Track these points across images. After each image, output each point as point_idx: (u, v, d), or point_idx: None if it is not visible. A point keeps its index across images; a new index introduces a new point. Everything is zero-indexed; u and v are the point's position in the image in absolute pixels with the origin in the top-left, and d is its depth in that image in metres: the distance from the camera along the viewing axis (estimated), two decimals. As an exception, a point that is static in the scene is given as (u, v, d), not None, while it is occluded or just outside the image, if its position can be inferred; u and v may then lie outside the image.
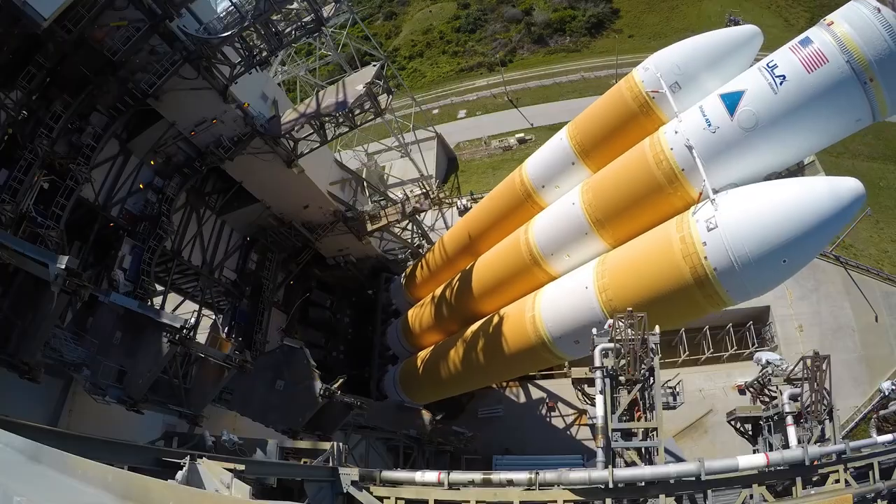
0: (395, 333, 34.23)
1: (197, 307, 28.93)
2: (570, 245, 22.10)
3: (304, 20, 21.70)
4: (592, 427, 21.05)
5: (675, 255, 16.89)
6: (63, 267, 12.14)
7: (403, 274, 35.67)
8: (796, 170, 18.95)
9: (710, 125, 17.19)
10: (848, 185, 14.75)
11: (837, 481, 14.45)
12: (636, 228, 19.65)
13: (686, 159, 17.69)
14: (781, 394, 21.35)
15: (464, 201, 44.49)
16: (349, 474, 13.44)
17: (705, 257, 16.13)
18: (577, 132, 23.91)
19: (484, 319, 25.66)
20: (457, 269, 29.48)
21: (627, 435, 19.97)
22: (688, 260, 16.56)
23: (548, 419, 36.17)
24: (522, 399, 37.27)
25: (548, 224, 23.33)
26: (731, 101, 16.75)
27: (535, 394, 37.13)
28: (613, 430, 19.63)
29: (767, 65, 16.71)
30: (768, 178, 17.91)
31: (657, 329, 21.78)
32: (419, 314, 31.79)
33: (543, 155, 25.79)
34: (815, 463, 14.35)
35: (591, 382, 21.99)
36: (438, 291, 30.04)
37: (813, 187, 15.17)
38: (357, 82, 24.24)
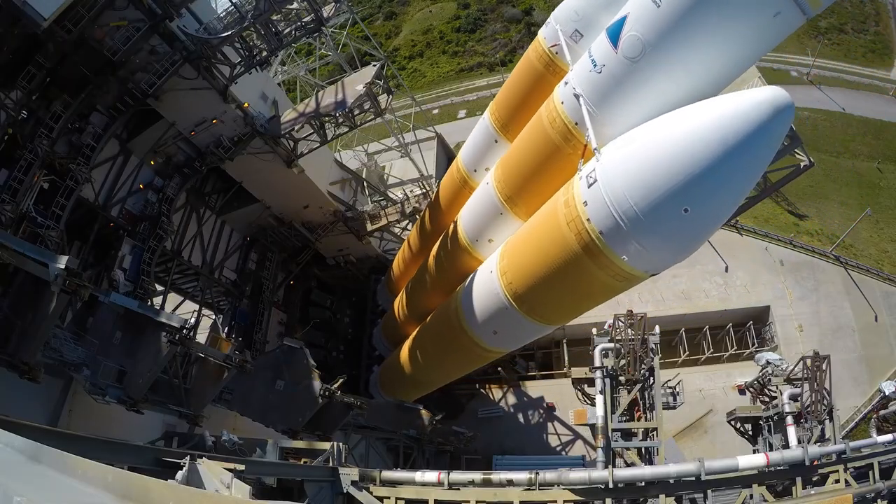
0: (378, 333, 34.19)
1: (197, 307, 28.94)
2: (490, 228, 20.59)
3: (304, 20, 21.72)
4: (592, 427, 20.88)
5: (560, 223, 14.19)
6: (63, 267, 12.13)
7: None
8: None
9: (595, 66, 14.39)
10: (758, 99, 10.88)
11: (837, 481, 14.45)
12: (545, 201, 16.74)
13: (577, 111, 15.04)
14: (781, 394, 21.37)
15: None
16: (349, 474, 13.43)
17: (588, 219, 13.25)
18: (496, 108, 22.60)
19: (430, 315, 25.06)
20: (418, 265, 28.78)
21: (627, 435, 20.05)
22: (572, 226, 13.75)
23: (548, 419, 36.17)
24: (522, 399, 37.26)
25: (470, 208, 22.24)
26: (615, 32, 13.68)
27: (535, 394, 37.13)
28: (613, 430, 19.71)
29: None
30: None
31: (657, 329, 21.91)
32: (390, 314, 31.51)
33: (472, 137, 24.68)
34: (815, 463, 14.35)
35: (591, 382, 22.02)
36: (404, 290, 29.80)
37: (711, 109, 11.53)
38: (357, 82, 24.24)
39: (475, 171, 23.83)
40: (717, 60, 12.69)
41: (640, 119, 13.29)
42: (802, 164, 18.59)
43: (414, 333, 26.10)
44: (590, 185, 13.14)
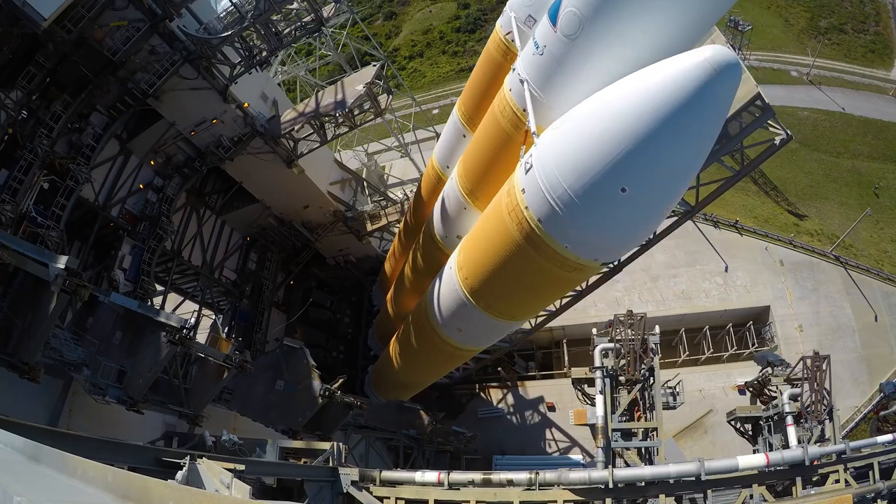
0: (372, 333, 34.19)
1: (197, 307, 28.93)
2: (457, 223, 20.14)
3: (304, 20, 21.73)
4: (592, 427, 20.88)
5: (503, 213, 13.62)
6: (63, 267, 12.14)
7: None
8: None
9: (538, 48, 13.76)
10: (694, 60, 9.54)
11: (837, 481, 14.45)
12: (503, 193, 16.50)
13: (524, 98, 14.45)
14: (781, 394, 21.36)
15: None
16: (349, 474, 13.44)
17: (526, 207, 12.62)
18: (462, 102, 22.17)
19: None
20: (402, 263, 28.52)
21: (627, 435, 20.05)
22: (513, 215, 13.16)
23: (547, 419, 36.17)
24: (522, 399, 37.27)
25: (439, 205, 21.90)
26: (554, 10, 13.00)
27: (535, 394, 37.14)
28: (613, 430, 19.72)
29: None
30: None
31: (657, 329, 21.91)
32: (381, 313, 31.44)
33: (444, 133, 24.28)
34: (815, 463, 14.35)
35: (591, 382, 22.03)
36: (391, 289, 29.72)
37: (643, 78, 10.32)
38: (357, 82, 24.24)
39: (447, 167, 23.52)
40: (659, 30, 11.56)
41: (583, 98, 12.16)
42: (779, 139, 16.45)
43: (396, 333, 26.02)
44: (527, 172, 12.41)
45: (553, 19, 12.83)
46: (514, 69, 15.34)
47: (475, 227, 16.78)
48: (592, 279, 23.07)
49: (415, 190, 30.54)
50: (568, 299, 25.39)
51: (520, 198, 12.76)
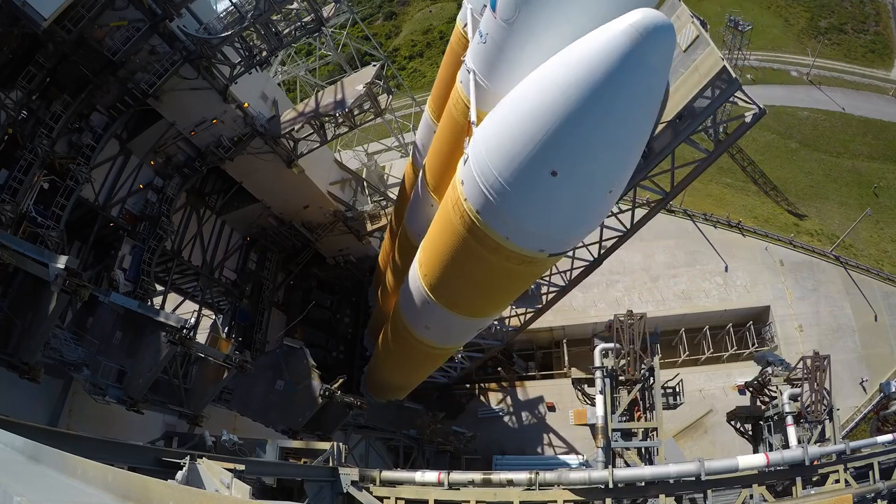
0: (367, 334, 34.20)
1: (197, 307, 28.93)
2: (426, 221, 19.57)
3: (304, 20, 21.73)
4: (592, 427, 20.89)
5: (448, 207, 13.27)
6: (63, 267, 12.14)
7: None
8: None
9: (482, 37, 13.43)
10: (618, 28, 8.62)
11: (837, 481, 14.45)
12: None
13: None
14: (781, 394, 21.37)
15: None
16: (349, 474, 13.43)
17: (465, 199, 12.22)
18: (431, 99, 22.09)
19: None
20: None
21: (627, 435, 20.06)
22: (456, 208, 12.75)
23: (547, 419, 36.17)
24: (522, 399, 37.28)
25: (411, 203, 21.74)
26: None
27: (535, 394, 37.14)
28: (613, 430, 19.72)
29: None
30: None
31: (657, 329, 21.92)
32: (373, 315, 31.46)
33: (418, 132, 24.34)
34: (815, 463, 14.35)
35: (591, 382, 22.04)
36: (379, 290, 29.73)
37: (569, 51, 9.44)
38: (357, 82, 24.24)
39: (423, 164, 23.31)
40: (597, 2, 10.83)
41: None
42: (751, 114, 14.96)
43: (381, 334, 25.94)
44: (465, 163, 11.96)
45: (493, 6, 12.47)
46: (463, 60, 15.06)
47: (432, 223, 16.44)
48: (575, 273, 22.84)
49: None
50: (553, 295, 25.24)
51: (460, 190, 12.35)
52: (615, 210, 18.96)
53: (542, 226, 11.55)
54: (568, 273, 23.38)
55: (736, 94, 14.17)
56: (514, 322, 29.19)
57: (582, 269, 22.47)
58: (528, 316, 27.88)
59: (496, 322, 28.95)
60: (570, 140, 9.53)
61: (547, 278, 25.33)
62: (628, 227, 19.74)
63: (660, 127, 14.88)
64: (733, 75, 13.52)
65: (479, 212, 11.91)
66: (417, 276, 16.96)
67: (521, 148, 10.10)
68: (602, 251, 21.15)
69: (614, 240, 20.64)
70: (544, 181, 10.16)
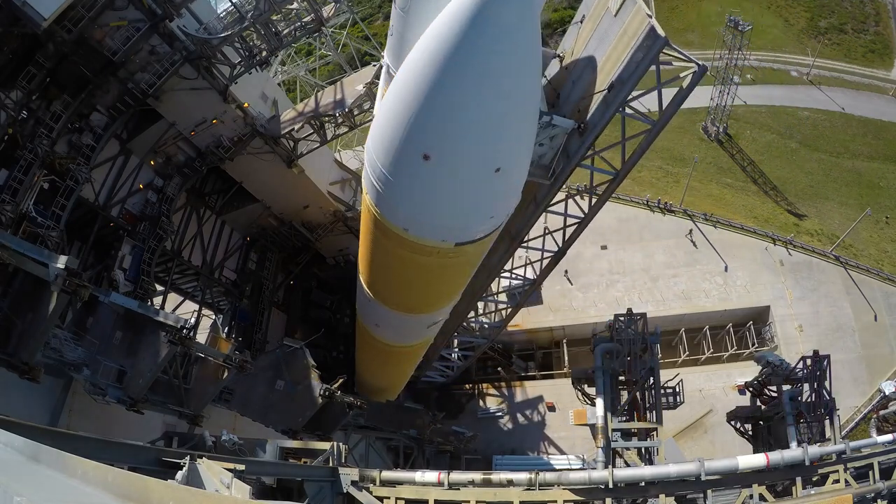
0: None
1: (197, 307, 28.92)
2: None
3: (304, 20, 21.70)
4: (592, 427, 20.87)
5: (364, 203, 12.82)
6: (63, 267, 12.14)
7: None
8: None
9: (391, 31, 12.93)
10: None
11: (837, 481, 14.45)
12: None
13: None
14: (781, 394, 21.37)
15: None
16: (349, 474, 13.43)
17: (366, 192, 11.88)
18: None
19: None
20: None
21: (627, 435, 20.06)
22: (364, 202, 12.48)
23: (547, 419, 36.19)
24: (522, 399, 37.30)
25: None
26: None
27: (535, 393, 37.17)
28: (613, 430, 19.72)
29: None
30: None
31: (658, 329, 21.91)
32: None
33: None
34: (815, 463, 14.35)
35: (591, 382, 22.04)
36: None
37: (433, 24, 8.65)
38: (357, 82, 24.21)
39: None
40: None
41: None
42: (690, 73, 13.15)
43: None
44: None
45: None
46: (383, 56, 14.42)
47: None
48: (545, 264, 21.90)
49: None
50: (525, 289, 24.83)
51: (363, 183, 11.99)
52: (579, 197, 18.37)
53: (433, 214, 11.05)
54: (539, 264, 22.46)
55: (670, 54, 12.79)
56: (508, 321, 28.91)
57: (549, 259, 21.53)
58: (508, 312, 27.61)
59: (485, 320, 28.92)
60: (434, 120, 8.86)
61: (513, 273, 24.77)
62: (586, 212, 18.42)
63: (595, 101, 13.78)
64: (660, 32, 12.04)
65: (376, 204, 11.62)
66: (359, 272, 16.92)
67: (392, 134, 9.62)
68: (565, 239, 19.87)
69: (574, 226, 19.25)
70: (418, 166, 9.64)
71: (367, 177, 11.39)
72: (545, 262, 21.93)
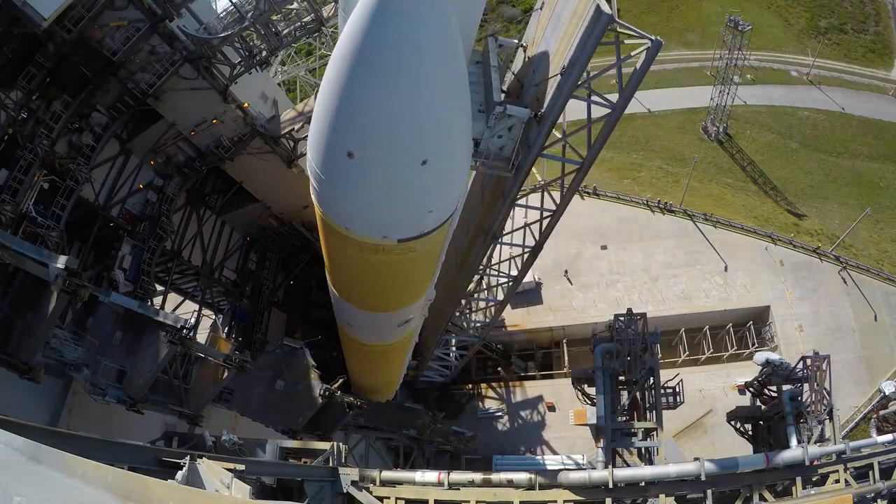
0: None
1: (197, 307, 28.92)
2: None
3: (304, 20, 21.73)
4: (592, 427, 20.85)
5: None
6: (63, 267, 12.14)
7: None
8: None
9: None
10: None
11: (837, 481, 14.46)
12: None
13: None
14: (781, 394, 21.36)
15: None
16: (349, 474, 13.43)
17: (312, 193, 11.93)
18: None
19: None
20: None
21: (627, 435, 20.05)
22: (314, 203, 12.57)
23: (547, 419, 36.18)
24: (522, 399, 37.29)
25: None
26: None
27: (535, 393, 37.15)
28: (613, 430, 19.71)
29: None
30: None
31: (658, 329, 21.90)
32: None
33: None
34: (815, 463, 14.37)
35: (591, 382, 22.03)
36: None
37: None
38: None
39: None
40: None
41: None
42: (644, 49, 12.58)
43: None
44: None
45: None
46: None
47: None
48: (525, 259, 21.39)
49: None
50: (510, 287, 24.51)
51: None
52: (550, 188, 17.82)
53: (366, 211, 10.90)
54: (519, 259, 22.05)
55: (622, 31, 12.49)
56: (496, 318, 28.78)
57: (527, 254, 21.12)
58: (494, 310, 27.55)
59: (475, 318, 28.85)
60: (352, 117, 8.77)
61: (498, 269, 24.37)
62: (555, 206, 17.95)
63: (550, 87, 13.46)
64: (605, 10, 11.56)
65: (319, 204, 11.66)
66: (327, 273, 17.03)
67: (319, 134, 9.60)
68: (541, 232, 19.52)
69: (547, 219, 18.81)
70: (344, 164, 9.59)
71: (311, 180, 11.37)
72: (525, 257, 21.43)
